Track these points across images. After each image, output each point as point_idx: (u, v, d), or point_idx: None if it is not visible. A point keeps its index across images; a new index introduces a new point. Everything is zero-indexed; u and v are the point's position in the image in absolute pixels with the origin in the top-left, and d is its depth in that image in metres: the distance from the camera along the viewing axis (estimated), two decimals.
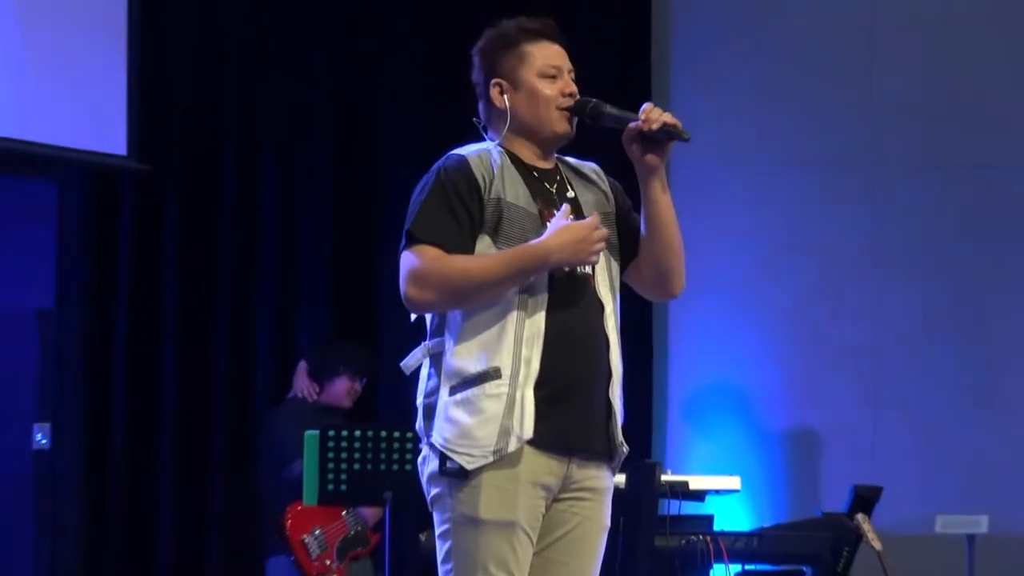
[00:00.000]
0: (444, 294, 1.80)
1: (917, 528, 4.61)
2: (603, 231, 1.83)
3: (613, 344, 1.85)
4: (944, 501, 4.71)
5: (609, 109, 1.91)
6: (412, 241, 1.78)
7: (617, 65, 4.79)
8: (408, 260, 1.80)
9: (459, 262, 1.81)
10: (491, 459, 1.74)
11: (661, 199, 1.87)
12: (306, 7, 4.70)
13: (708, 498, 4.13)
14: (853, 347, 5.07)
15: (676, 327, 5.14)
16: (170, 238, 4.42)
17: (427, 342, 1.86)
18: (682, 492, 3.99)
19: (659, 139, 1.82)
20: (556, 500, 1.85)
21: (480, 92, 1.93)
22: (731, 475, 4.21)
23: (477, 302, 1.81)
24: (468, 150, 1.86)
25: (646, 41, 5.02)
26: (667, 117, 1.82)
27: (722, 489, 4.12)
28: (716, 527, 4.12)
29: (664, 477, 3.89)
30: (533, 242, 1.80)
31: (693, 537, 3.92)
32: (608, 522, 1.93)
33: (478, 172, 1.82)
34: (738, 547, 4.01)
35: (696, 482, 4.07)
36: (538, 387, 1.78)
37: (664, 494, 3.89)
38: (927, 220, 5.08)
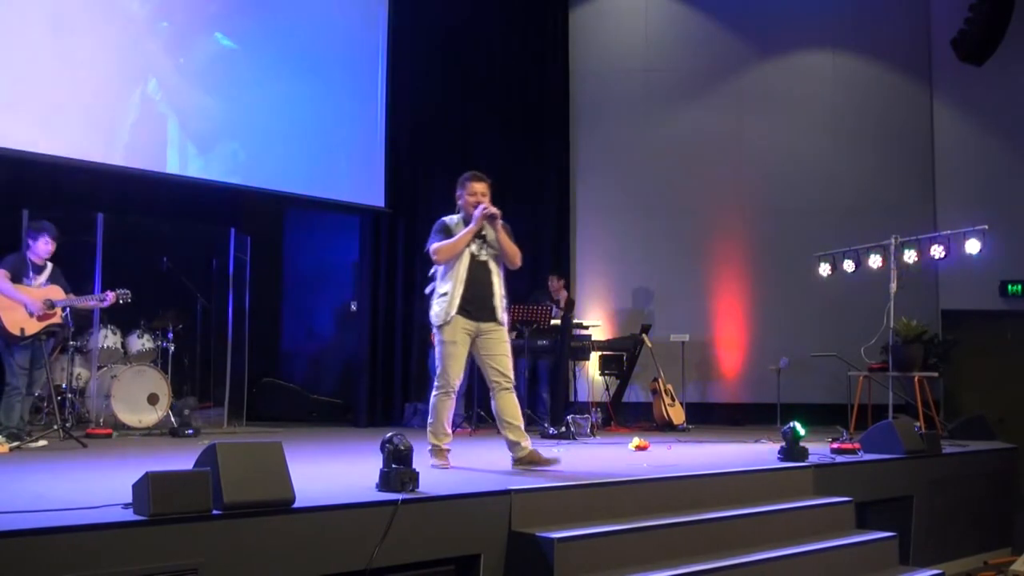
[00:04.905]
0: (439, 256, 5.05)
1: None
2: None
3: (495, 286, 5.14)
4: None
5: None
6: (431, 242, 5.08)
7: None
8: (431, 248, 5.07)
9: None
10: (447, 319, 5.05)
11: (501, 237, 5.13)
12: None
13: (589, 328, 10.14)
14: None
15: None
16: (398, 238, 10.09)
17: (433, 283, 5.21)
18: (579, 325, 9.99)
19: (491, 216, 5.06)
20: (479, 335, 5.10)
21: (458, 196, 5.22)
22: (597, 322, 10.51)
23: (445, 261, 5.05)
24: (449, 218, 5.22)
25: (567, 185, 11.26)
26: (494, 210, 5.08)
27: (591, 324, 10.30)
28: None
29: (575, 320, 9.93)
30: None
31: (584, 343, 10.00)
32: (508, 339, 5.17)
33: (452, 223, 5.16)
34: (597, 345, 10.11)
35: (586, 324, 10.16)
36: (462, 299, 5.02)
37: (575, 326, 9.85)
38: None
